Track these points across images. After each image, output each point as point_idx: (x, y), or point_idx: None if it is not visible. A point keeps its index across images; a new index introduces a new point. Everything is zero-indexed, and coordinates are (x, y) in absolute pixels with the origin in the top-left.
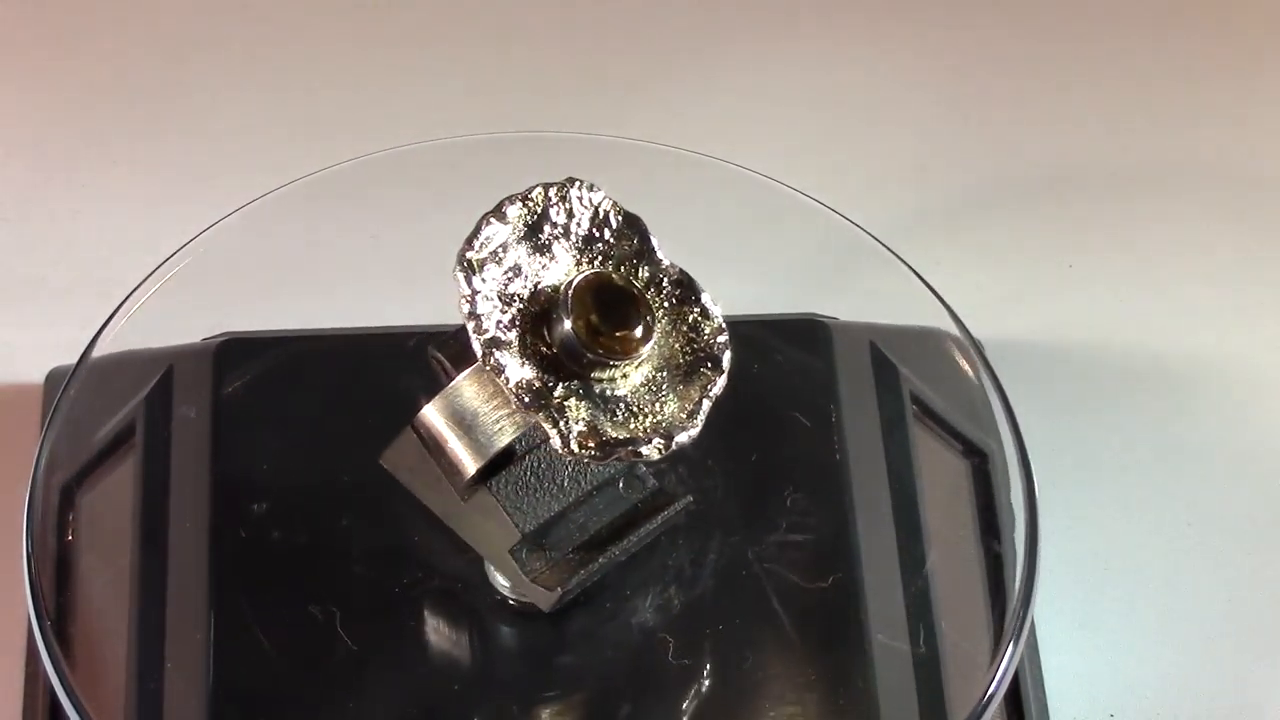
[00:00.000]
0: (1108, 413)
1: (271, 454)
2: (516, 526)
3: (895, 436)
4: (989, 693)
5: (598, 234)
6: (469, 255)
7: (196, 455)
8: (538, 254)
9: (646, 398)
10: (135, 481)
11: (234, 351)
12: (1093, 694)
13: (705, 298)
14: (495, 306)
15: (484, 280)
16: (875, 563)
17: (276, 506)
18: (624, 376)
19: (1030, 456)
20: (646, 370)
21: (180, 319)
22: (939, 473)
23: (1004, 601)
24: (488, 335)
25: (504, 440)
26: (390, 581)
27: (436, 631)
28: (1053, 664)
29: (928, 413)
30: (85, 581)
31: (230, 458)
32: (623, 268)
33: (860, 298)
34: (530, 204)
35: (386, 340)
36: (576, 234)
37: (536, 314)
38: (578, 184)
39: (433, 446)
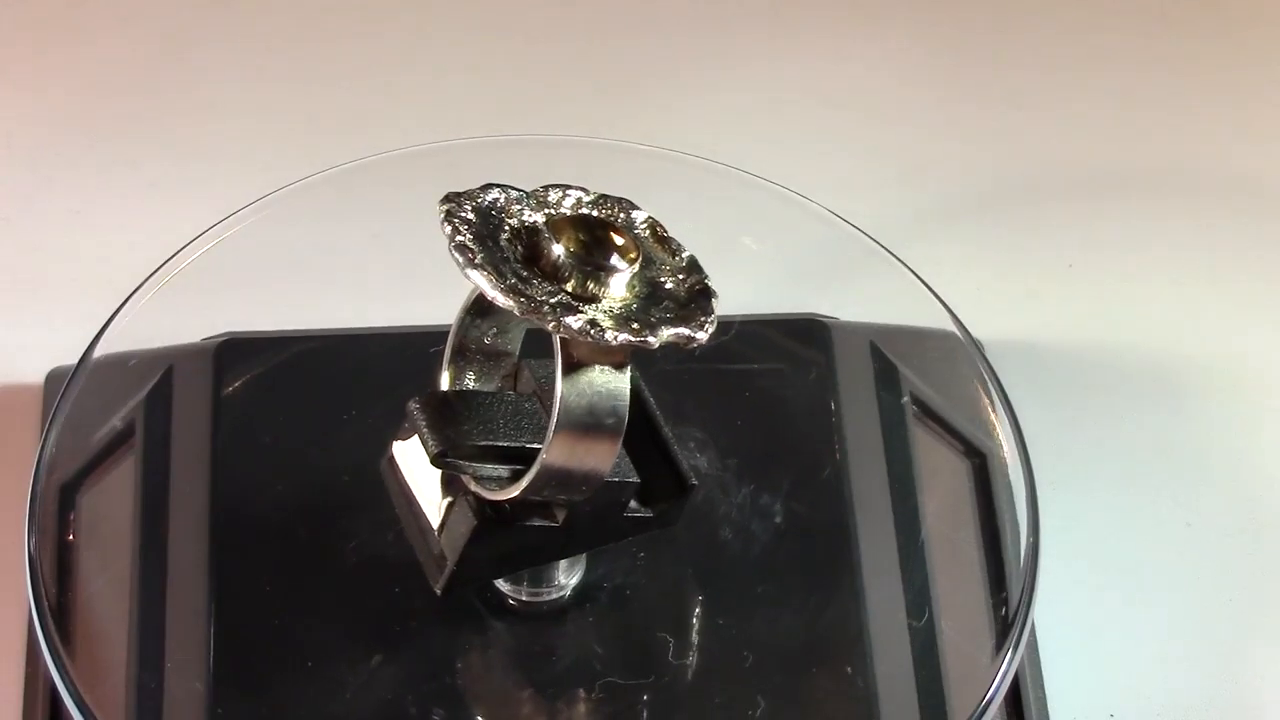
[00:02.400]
0: (1108, 413)
1: (271, 454)
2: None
3: (895, 436)
4: (990, 694)
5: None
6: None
7: (196, 455)
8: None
9: (639, 314)
10: (135, 481)
11: (234, 351)
12: (1093, 694)
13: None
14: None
15: (469, 221)
16: (875, 563)
17: (276, 506)
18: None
19: (1030, 456)
20: (635, 295)
21: (180, 319)
22: (939, 473)
23: (1004, 602)
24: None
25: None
26: (390, 581)
27: (436, 631)
28: (1053, 664)
29: (928, 413)
30: (85, 581)
31: (230, 458)
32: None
33: (860, 298)
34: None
35: (386, 340)
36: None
37: (522, 254)
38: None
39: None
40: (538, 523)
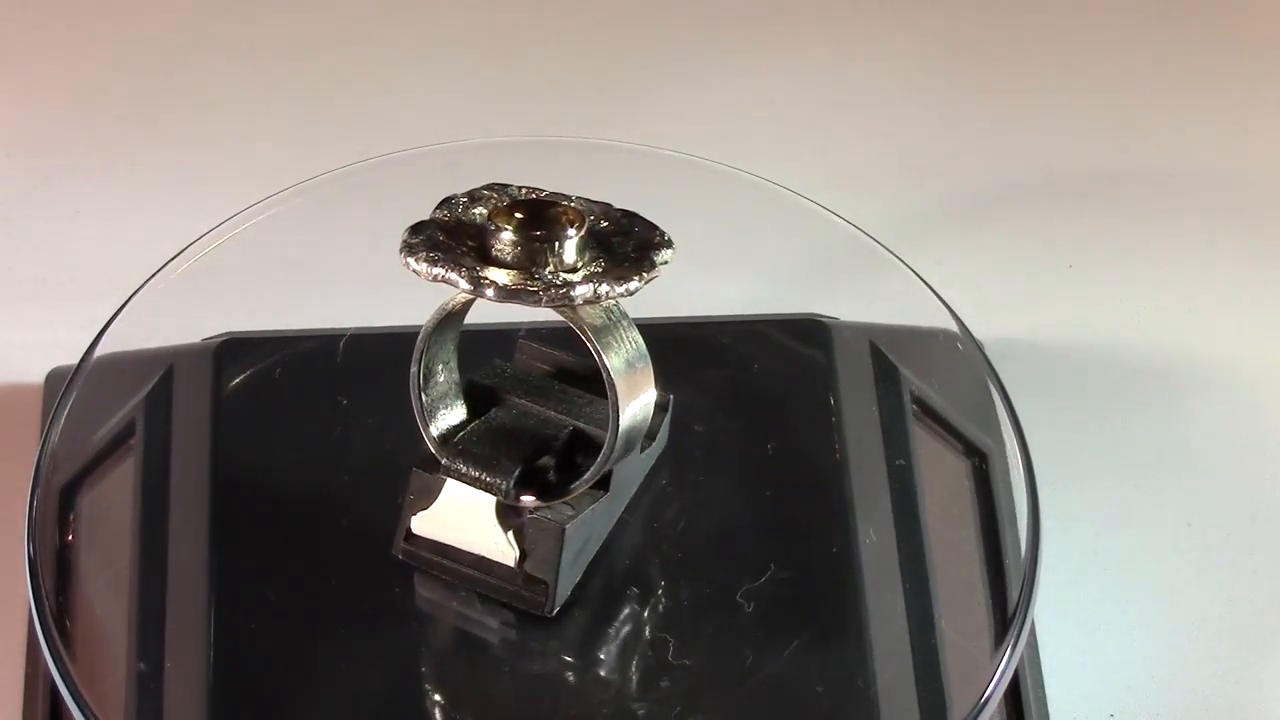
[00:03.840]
0: (1108, 413)
1: (271, 454)
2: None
3: (895, 436)
4: (988, 691)
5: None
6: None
7: (196, 455)
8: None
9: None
10: (135, 481)
11: (234, 351)
12: (1093, 694)
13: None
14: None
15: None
16: (875, 563)
17: (276, 506)
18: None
19: (1030, 456)
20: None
21: (180, 319)
22: (939, 473)
23: (1004, 601)
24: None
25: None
26: (390, 582)
27: (436, 632)
28: (1053, 664)
29: (928, 413)
30: (85, 581)
31: (230, 458)
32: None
33: (860, 298)
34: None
35: (386, 340)
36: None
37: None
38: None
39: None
40: (590, 504)
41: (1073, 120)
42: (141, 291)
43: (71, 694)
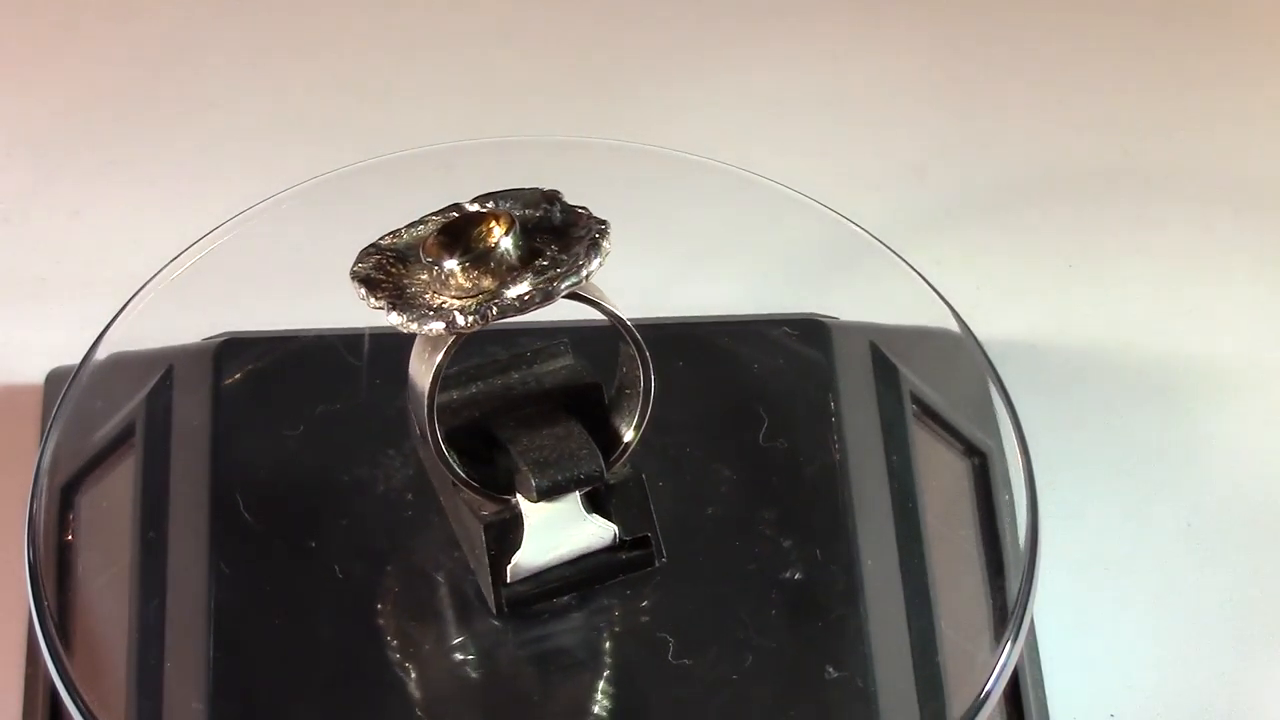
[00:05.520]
0: (1108, 412)
1: (271, 454)
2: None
3: (895, 436)
4: (988, 686)
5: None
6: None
7: (196, 455)
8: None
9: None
10: (135, 481)
11: (234, 351)
12: (1093, 694)
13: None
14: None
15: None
16: (875, 562)
17: (276, 506)
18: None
19: (1030, 456)
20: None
21: (180, 319)
22: (939, 473)
23: (1004, 601)
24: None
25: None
26: (390, 582)
27: (435, 632)
28: (1053, 664)
29: (928, 413)
30: (85, 581)
31: (230, 458)
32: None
33: (860, 298)
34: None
35: (386, 340)
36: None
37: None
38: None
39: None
40: (619, 468)
41: (1073, 120)
42: (141, 291)
43: (71, 694)
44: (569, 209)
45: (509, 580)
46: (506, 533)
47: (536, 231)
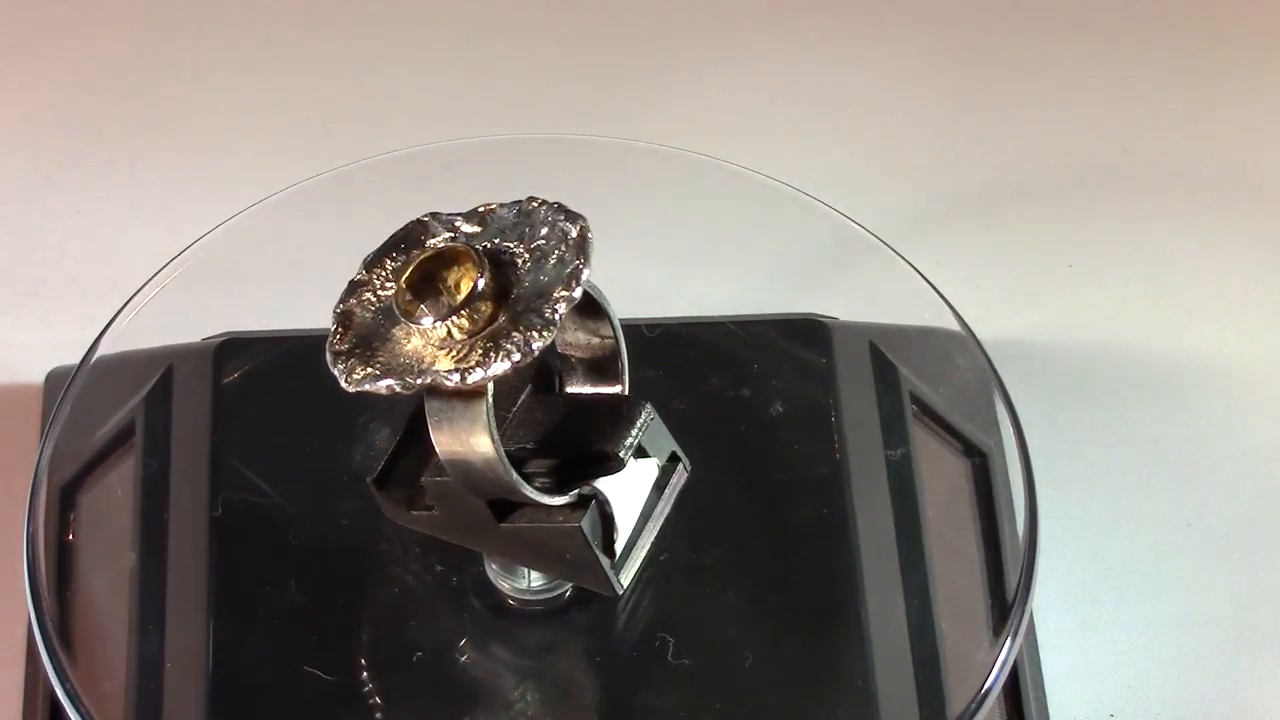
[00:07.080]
0: (1108, 413)
1: (271, 454)
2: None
3: (895, 436)
4: (986, 685)
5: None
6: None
7: (196, 455)
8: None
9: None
10: (135, 481)
11: (234, 352)
12: (1093, 694)
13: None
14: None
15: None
16: (875, 562)
17: (276, 506)
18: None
19: (1030, 456)
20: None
21: (180, 319)
22: (938, 472)
23: (1003, 600)
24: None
25: None
26: (390, 582)
27: (436, 631)
28: (1053, 664)
29: (927, 412)
30: (85, 581)
31: (230, 457)
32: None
33: (860, 297)
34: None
35: None
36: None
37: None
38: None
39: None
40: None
41: (1072, 120)
42: (141, 291)
43: (70, 695)
44: (529, 213)
45: (616, 557)
46: (595, 520)
47: (505, 250)
